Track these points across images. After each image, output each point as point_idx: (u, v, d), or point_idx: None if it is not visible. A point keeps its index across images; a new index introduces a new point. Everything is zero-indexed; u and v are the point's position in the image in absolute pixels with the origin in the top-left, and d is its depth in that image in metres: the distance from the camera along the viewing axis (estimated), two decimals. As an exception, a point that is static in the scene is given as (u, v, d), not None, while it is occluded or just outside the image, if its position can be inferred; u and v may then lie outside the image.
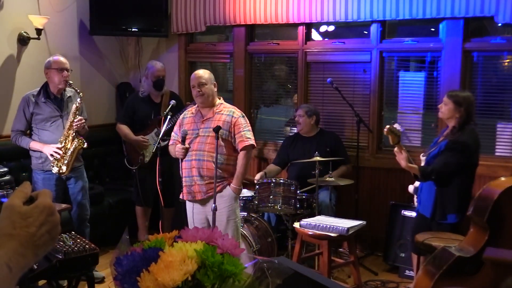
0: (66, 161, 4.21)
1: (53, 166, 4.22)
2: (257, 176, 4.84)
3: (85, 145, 4.23)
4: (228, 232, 3.82)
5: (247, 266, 1.16)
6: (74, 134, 4.21)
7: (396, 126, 3.75)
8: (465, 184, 3.80)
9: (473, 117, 3.92)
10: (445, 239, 3.48)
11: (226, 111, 3.90)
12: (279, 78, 5.94)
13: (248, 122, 3.97)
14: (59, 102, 4.31)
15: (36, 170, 4.31)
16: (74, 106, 4.25)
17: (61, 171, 4.22)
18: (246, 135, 3.85)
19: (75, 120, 4.19)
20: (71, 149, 4.20)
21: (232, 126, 3.84)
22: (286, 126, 5.88)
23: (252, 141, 3.89)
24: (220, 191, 3.85)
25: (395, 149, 3.77)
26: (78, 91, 4.29)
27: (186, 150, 3.83)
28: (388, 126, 3.72)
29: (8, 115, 4.94)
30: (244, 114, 3.99)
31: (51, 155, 4.18)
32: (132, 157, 5.02)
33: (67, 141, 4.21)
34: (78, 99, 4.25)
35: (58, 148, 4.18)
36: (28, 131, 4.37)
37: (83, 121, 4.24)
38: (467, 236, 2.88)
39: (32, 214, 0.94)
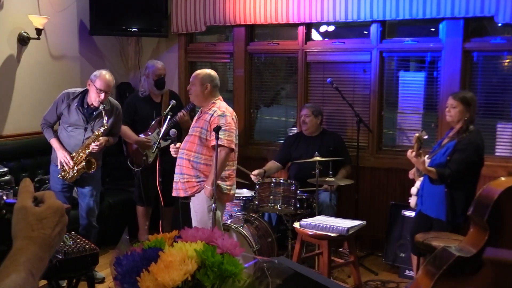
0: (69, 175, 4.26)
1: (60, 171, 4.28)
2: (255, 172, 4.76)
3: (91, 171, 4.24)
4: None
5: (247, 266, 1.16)
6: (87, 154, 4.21)
7: (424, 134, 3.73)
8: (472, 185, 3.81)
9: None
10: (445, 239, 3.48)
11: (211, 111, 3.85)
12: (279, 78, 5.95)
13: (229, 122, 3.79)
14: (89, 114, 4.30)
15: (53, 162, 4.38)
16: (101, 129, 4.21)
17: (64, 178, 4.27)
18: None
19: (93, 144, 4.21)
20: (77, 168, 4.23)
21: (209, 125, 3.79)
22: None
23: (222, 141, 3.67)
24: (198, 191, 3.83)
25: (413, 154, 3.75)
26: (104, 115, 4.18)
27: (178, 150, 3.94)
28: (417, 135, 3.70)
29: (8, 115, 4.94)
30: (227, 114, 3.82)
31: (60, 161, 4.25)
32: (134, 158, 5.02)
33: (78, 157, 4.23)
34: (105, 121, 4.19)
35: (68, 159, 4.22)
36: (56, 124, 4.42)
37: (103, 146, 4.24)
38: (467, 236, 2.88)
39: (47, 216, 0.94)
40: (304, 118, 5.01)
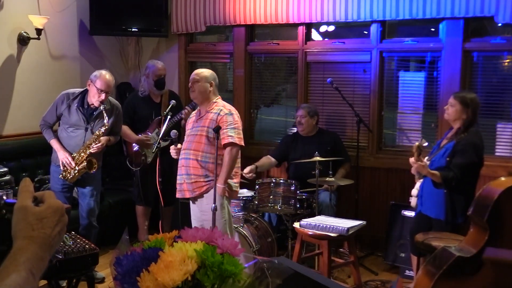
0: (70, 176, 4.26)
1: (61, 172, 4.28)
2: (246, 170, 4.70)
3: (91, 172, 4.24)
4: None
5: (247, 266, 1.16)
6: (88, 154, 4.21)
7: (424, 142, 3.73)
8: (471, 185, 3.81)
9: (477, 118, 3.93)
10: (445, 239, 3.48)
11: (216, 110, 3.86)
12: (279, 78, 5.95)
13: (236, 120, 3.85)
14: (90, 114, 4.29)
15: (54, 162, 4.38)
16: (102, 129, 4.22)
17: (65, 178, 4.27)
18: (228, 133, 3.75)
19: (93, 144, 4.21)
20: (78, 168, 4.23)
21: (217, 124, 3.79)
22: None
23: (234, 139, 3.76)
24: (207, 191, 3.82)
25: (413, 160, 3.74)
26: (105, 115, 4.19)
27: (179, 151, 3.91)
28: (417, 144, 3.71)
29: (8, 115, 4.94)
30: (233, 112, 3.87)
31: (61, 162, 4.25)
32: (134, 157, 5.03)
33: (79, 157, 4.24)
34: (105, 121, 4.20)
35: (69, 160, 4.22)
36: (56, 124, 4.43)
37: (104, 146, 4.26)
38: (467, 236, 2.87)
39: (47, 215, 0.94)
40: (300, 119, 5.00)
